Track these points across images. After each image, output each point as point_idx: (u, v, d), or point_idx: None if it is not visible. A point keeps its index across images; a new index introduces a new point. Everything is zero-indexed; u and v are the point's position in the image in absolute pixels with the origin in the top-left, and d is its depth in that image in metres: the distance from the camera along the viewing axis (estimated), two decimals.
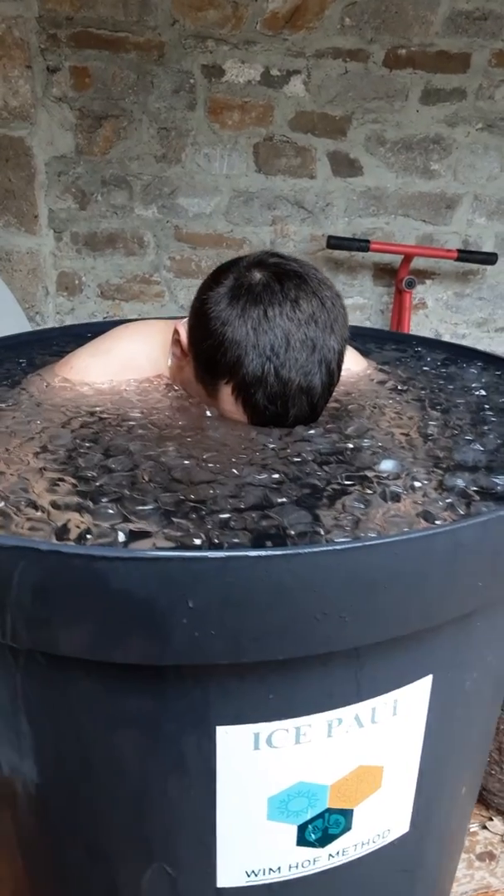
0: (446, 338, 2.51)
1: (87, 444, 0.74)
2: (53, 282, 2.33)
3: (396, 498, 0.65)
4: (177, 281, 2.36)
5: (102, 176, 2.23)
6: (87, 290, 2.36)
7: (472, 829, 1.24)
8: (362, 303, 2.46)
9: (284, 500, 0.64)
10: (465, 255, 2.26)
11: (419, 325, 2.48)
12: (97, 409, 0.85)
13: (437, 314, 2.50)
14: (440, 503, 0.64)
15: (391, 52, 2.19)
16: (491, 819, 1.26)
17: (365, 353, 1.14)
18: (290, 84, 2.19)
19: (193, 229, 2.31)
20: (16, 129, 2.13)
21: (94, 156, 2.21)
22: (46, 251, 2.28)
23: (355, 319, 2.44)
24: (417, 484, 0.68)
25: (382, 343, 1.28)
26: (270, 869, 0.66)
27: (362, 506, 0.63)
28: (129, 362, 0.95)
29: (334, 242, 2.19)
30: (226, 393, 0.80)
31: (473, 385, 1.00)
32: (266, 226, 2.33)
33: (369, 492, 0.66)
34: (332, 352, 0.79)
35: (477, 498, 0.67)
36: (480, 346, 2.42)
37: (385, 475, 0.69)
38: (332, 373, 0.79)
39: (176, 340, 0.90)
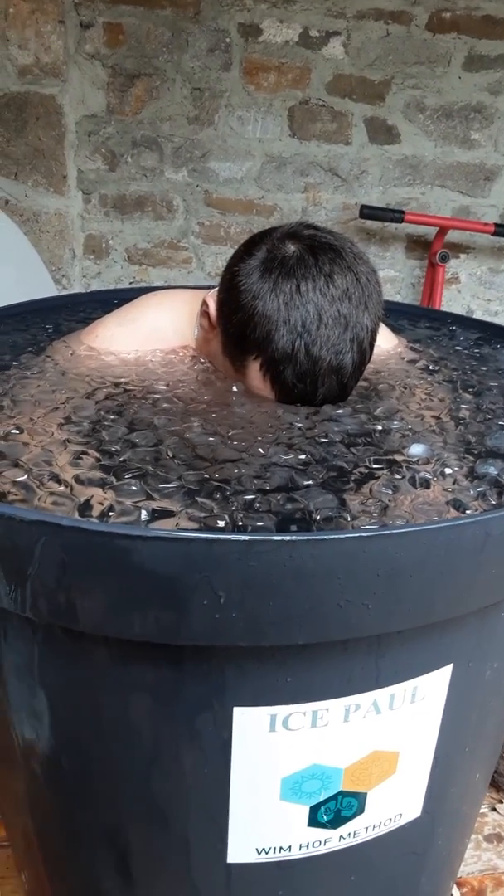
0: (478, 314, 2.45)
1: (112, 417, 0.73)
2: (80, 244, 2.31)
3: (426, 484, 0.63)
4: (205, 247, 2.33)
5: (133, 137, 2.20)
6: (114, 254, 2.34)
7: (481, 811, 1.24)
8: (393, 275, 2.41)
9: (311, 482, 0.63)
10: (503, 229, 2.20)
11: (451, 300, 2.43)
12: (122, 379, 0.83)
13: (469, 290, 2.44)
14: (471, 491, 0.63)
15: (435, 15, 2.11)
16: (501, 801, 1.26)
17: (397, 330, 1.11)
18: (328, 46, 2.13)
19: (224, 194, 2.27)
20: (47, 87, 2.09)
21: (125, 116, 2.17)
22: (74, 213, 2.25)
23: (386, 293, 2.39)
24: (448, 470, 0.66)
25: (416, 320, 1.25)
26: (281, 847, 0.67)
27: (390, 491, 0.62)
28: (155, 333, 0.94)
29: (367, 212, 2.15)
30: (254, 369, 0.78)
31: None
32: (298, 193, 2.28)
33: (398, 477, 0.64)
34: (364, 330, 0.76)
35: None
36: None
37: (414, 460, 0.68)
38: (364, 351, 0.77)
39: (204, 312, 0.88)
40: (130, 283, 2.37)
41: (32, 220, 2.23)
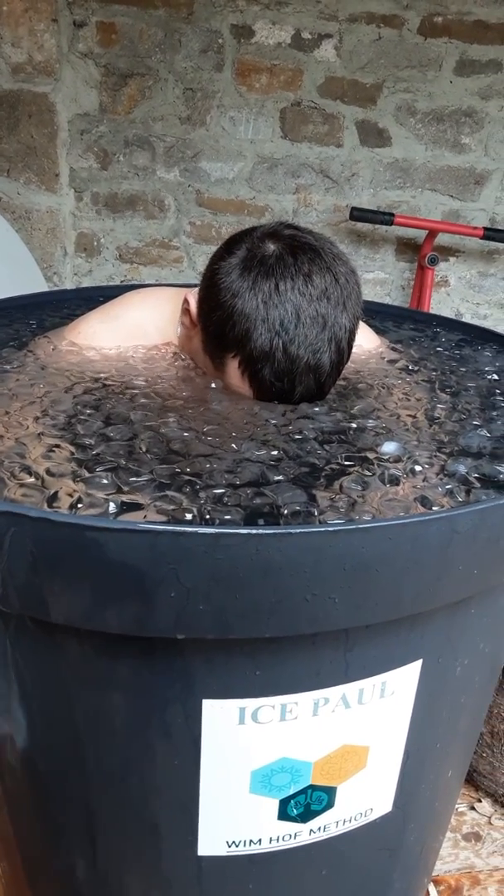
0: (467, 318, 2.47)
1: (88, 411, 0.74)
2: (72, 242, 2.32)
3: (395, 481, 0.64)
4: (196, 247, 2.34)
5: (125, 136, 2.20)
6: (106, 253, 2.34)
7: (459, 810, 1.25)
8: (383, 278, 2.42)
9: (281, 478, 0.63)
10: (492, 233, 2.21)
11: (440, 303, 2.44)
12: (101, 375, 0.84)
13: (459, 293, 2.46)
14: (440, 489, 0.63)
15: (427, 19, 2.12)
16: (480, 801, 1.27)
17: (381, 332, 1.12)
18: (320, 48, 2.14)
19: (215, 194, 2.28)
20: (39, 85, 2.09)
21: (117, 115, 2.18)
22: (66, 210, 2.26)
23: (375, 295, 2.41)
24: (418, 468, 0.67)
25: (401, 322, 1.25)
26: (251, 840, 0.67)
27: (360, 487, 0.62)
28: (138, 329, 0.94)
29: (358, 214, 2.16)
30: (232, 367, 0.79)
31: (486, 369, 0.98)
32: (289, 194, 2.29)
33: (368, 473, 0.65)
34: (343, 329, 0.77)
35: (478, 485, 0.65)
36: (502, 328, 2.38)
37: (386, 457, 0.68)
38: (342, 351, 0.78)
39: (185, 310, 0.88)
40: (121, 281, 2.37)
41: (24, 218, 2.23)
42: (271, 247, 0.78)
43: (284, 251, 0.77)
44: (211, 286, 0.79)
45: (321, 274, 0.76)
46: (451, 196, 2.32)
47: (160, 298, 0.98)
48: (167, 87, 2.16)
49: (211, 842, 0.67)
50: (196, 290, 0.86)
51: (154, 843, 0.68)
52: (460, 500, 0.62)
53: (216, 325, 0.78)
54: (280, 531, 0.50)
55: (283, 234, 0.79)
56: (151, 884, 0.71)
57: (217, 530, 0.49)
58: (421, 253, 2.25)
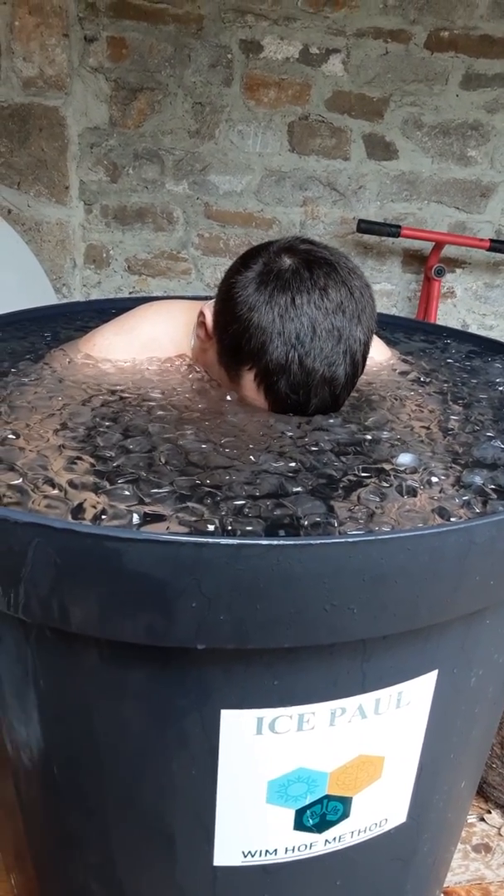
0: (473, 329, 2.47)
1: (107, 423, 0.75)
2: (81, 254, 2.33)
3: (412, 492, 0.65)
4: (204, 259, 2.35)
5: (135, 149, 2.22)
6: (115, 264, 2.36)
7: (469, 821, 1.25)
8: (390, 289, 2.44)
9: (300, 489, 0.64)
10: (498, 244, 2.22)
11: (447, 314, 2.45)
12: (118, 387, 0.85)
13: (465, 304, 2.47)
14: (456, 500, 0.64)
15: (433, 34, 2.14)
16: (489, 812, 1.26)
17: (392, 343, 1.13)
18: (328, 63, 2.16)
19: (223, 207, 2.30)
20: (50, 99, 2.12)
21: (127, 128, 2.20)
22: (76, 223, 2.28)
23: (382, 306, 2.42)
24: (434, 479, 0.67)
25: (411, 333, 1.26)
26: (267, 851, 0.67)
27: (377, 499, 0.63)
28: (152, 342, 0.95)
29: (365, 226, 2.17)
30: (248, 379, 0.80)
31: (498, 380, 0.99)
32: (297, 206, 2.31)
33: (385, 485, 0.66)
34: (357, 342, 0.78)
35: (494, 496, 0.66)
36: None
37: (402, 469, 0.69)
38: (357, 364, 0.79)
39: (201, 323, 0.89)
40: (130, 293, 2.39)
41: (34, 230, 2.25)
42: (287, 261, 0.79)
43: (300, 265, 0.78)
44: (227, 299, 0.80)
45: (336, 288, 0.77)
46: (458, 208, 2.34)
47: (174, 311, 0.99)
48: (176, 101, 2.18)
49: (226, 852, 0.67)
50: (212, 303, 0.87)
51: (169, 853, 0.68)
52: (477, 511, 0.63)
53: (232, 338, 0.79)
54: (300, 542, 0.50)
55: (298, 249, 0.80)
56: (166, 893, 0.72)
57: (238, 541, 0.50)
58: (427, 264, 2.27)
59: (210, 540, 0.50)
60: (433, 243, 2.25)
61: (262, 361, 0.77)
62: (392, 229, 2.17)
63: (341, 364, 0.77)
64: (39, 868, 0.80)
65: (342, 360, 0.77)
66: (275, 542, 0.50)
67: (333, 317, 0.76)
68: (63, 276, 2.31)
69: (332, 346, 0.76)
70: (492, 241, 2.22)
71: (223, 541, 0.49)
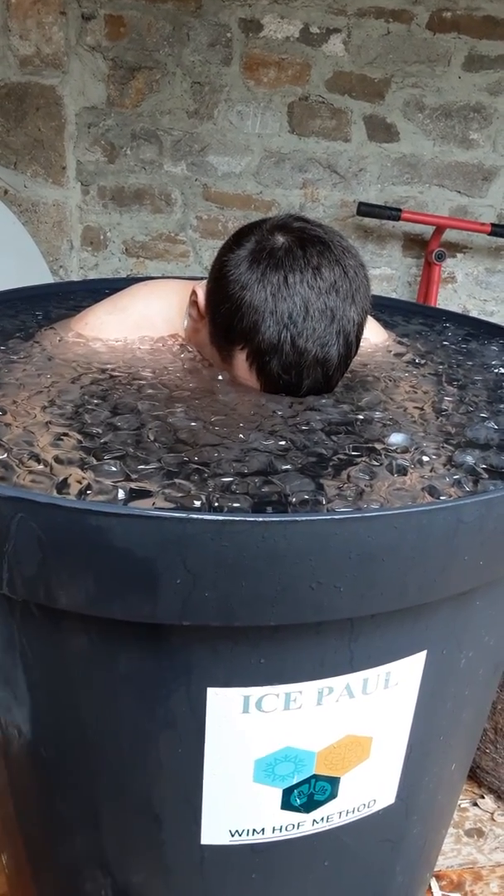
0: (474, 314, 2.46)
1: (96, 401, 0.74)
2: (78, 236, 2.32)
3: (403, 471, 0.64)
4: (202, 241, 2.34)
5: (132, 129, 2.20)
6: (112, 246, 2.34)
7: (462, 806, 1.25)
8: (390, 273, 2.42)
9: (289, 467, 0.63)
10: (499, 229, 2.20)
11: (447, 299, 2.44)
12: (108, 366, 0.84)
13: (466, 289, 2.45)
14: (447, 479, 0.63)
15: (436, 14, 2.11)
16: (482, 797, 1.27)
17: (390, 326, 1.12)
18: (329, 43, 2.13)
19: (222, 189, 2.28)
20: (47, 78, 2.09)
21: (124, 108, 2.18)
22: (73, 204, 2.26)
23: (382, 290, 2.41)
24: (426, 459, 0.67)
25: (410, 317, 1.25)
26: (254, 830, 0.67)
27: (367, 477, 0.62)
28: (145, 321, 0.94)
29: (365, 209, 2.15)
30: (240, 359, 0.79)
31: (493, 362, 0.98)
32: (296, 189, 2.29)
33: (376, 464, 0.65)
34: (351, 323, 0.77)
35: (485, 476, 0.65)
36: None
37: (394, 448, 0.68)
38: (350, 344, 0.78)
39: (193, 302, 0.88)
40: (127, 275, 2.37)
41: (31, 211, 2.23)
42: (280, 239, 0.77)
43: (293, 244, 0.77)
44: (219, 278, 0.79)
45: (330, 267, 0.76)
46: (459, 192, 2.32)
47: (167, 290, 0.98)
48: (175, 80, 2.15)
49: (214, 831, 0.67)
50: (204, 282, 0.86)
51: (157, 832, 0.68)
52: (468, 490, 0.62)
53: (224, 318, 0.78)
54: (286, 518, 0.50)
55: (292, 227, 0.79)
56: (154, 872, 0.72)
57: (223, 517, 0.49)
58: (428, 249, 2.25)
59: (194, 515, 0.49)
60: (434, 227, 2.23)
61: (254, 341, 0.76)
62: (392, 212, 2.15)
63: (334, 344, 0.76)
64: (30, 847, 0.80)
65: (335, 340, 0.76)
66: (259, 519, 0.49)
67: (327, 296, 0.75)
68: (60, 258, 2.29)
69: (325, 327, 0.75)
70: (493, 225, 2.20)
71: (207, 516, 0.49)
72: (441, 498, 0.61)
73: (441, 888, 1.11)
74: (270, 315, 0.74)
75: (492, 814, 1.24)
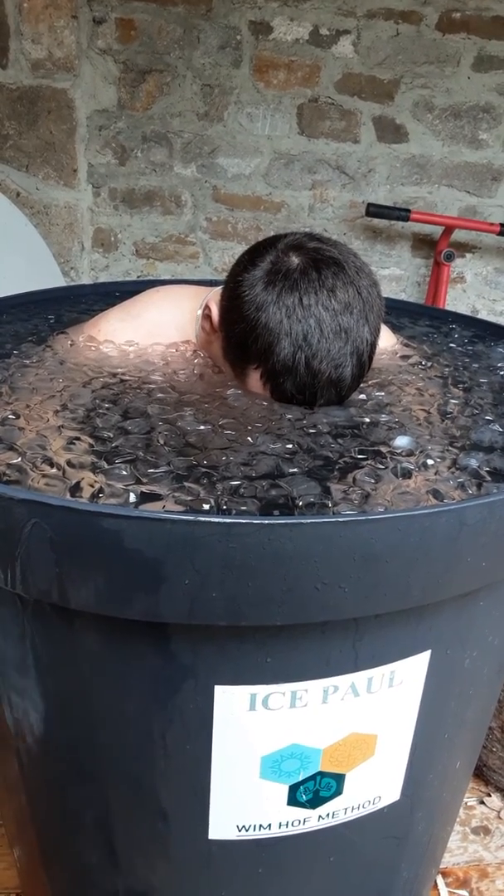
0: (483, 314, 2.46)
1: (107, 405, 0.75)
2: (89, 237, 2.33)
3: (408, 474, 0.65)
4: (212, 243, 2.35)
5: (143, 132, 2.22)
6: (123, 248, 2.36)
7: (469, 804, 1.26)
8: (399, 274, 2.42)
9: (296, 470, 0.65)
10: None
11: (456, 299, 2.44)
12: (119, 370, 0.85)
13: (475, 289, 2.45)
14: (451, 482, 0.64)
15: (445, 15, 2.12)
16: (489, 795, 1.28)
17: (397, 329, 1.12)
18: (338, 44, 2.14)
19: (232, 190, 2.29)
20: (59, 81, 2.11)
21: (135, 111, 2.19)
22: (84, 206, 2.27)
23: (391, 291, 2.41)
24: (430, 462, 0.68)
25: (416, 318, 1.26)
26: (261, 825, 0.69)
27: (372, 480, 0.63)
28: (158, 328, 0.95)
29: (374, 210, 2.16)
30: (254, 378, 0.80)
31: (499, 365, 0.99)
32: (305, 190, 2.30)
33: (381, 467, 0.66)
34: (364, 343, 0.77)
35: (489, 479, 0.66)
36: None
37: (399, 451, 0.70)
38: (364, 364, 0.79)
39: (206, 315, 0.89)
40: (138, 276, 2.39)
41: (42, 213, 2.25)
42: (295, 260, 0.78)
43: (308, 265, 0.77)
44: (235, 297, 0.79)
45: (345, 288, 0.76)
46: (468, 192, 2.32)
47: (180, 297, 0.99)
48: (185, 83, 2.17)
49: (221, 826, 0.69)
50: (217, 294, 0.87)
51: (165, 827, 0.70)
52: (471, 493, 0.63)
53: (239, 337, 0.79)
54: (291, 521, 0.51)
55: (307, 247, 0.79)
56: (162, 866, 0.73)
57: (230, 520, 0.50)
58: (437, 249, 2.25)
59: (202, 518, 0.50)
60: (443, 227, 2.23)
61: (268, 362, 0.77)
62: (401, 213, 2.16)
63: (348, 365, 0.76)
64: (41, 841, 0.82)
65: (349, 361, 0.76)
66: (265, 521, 0.50)
67: (341, 317, 0.75)
68: (71, 260, 2.31)
69: (340, 347, 0.75)
70: (502, 225, 2.20)
71: (215, 519, 0.50)
72: (445, 501, 0.62)
73: (447, 885, 1.12)
74: (285, 336, 0.75)
75: (498, 812, 1.25)
